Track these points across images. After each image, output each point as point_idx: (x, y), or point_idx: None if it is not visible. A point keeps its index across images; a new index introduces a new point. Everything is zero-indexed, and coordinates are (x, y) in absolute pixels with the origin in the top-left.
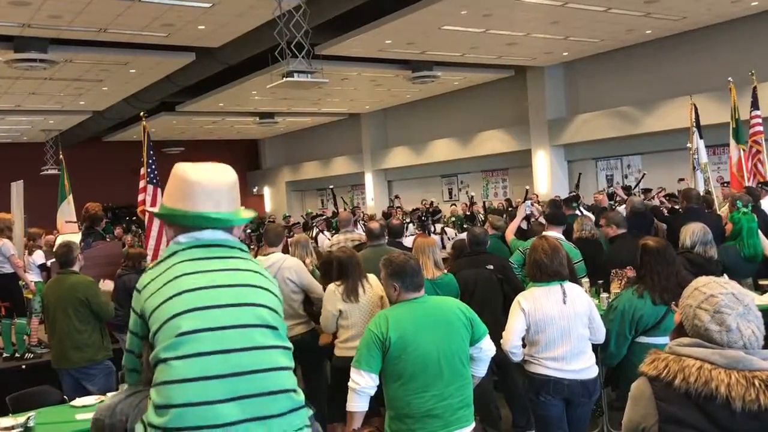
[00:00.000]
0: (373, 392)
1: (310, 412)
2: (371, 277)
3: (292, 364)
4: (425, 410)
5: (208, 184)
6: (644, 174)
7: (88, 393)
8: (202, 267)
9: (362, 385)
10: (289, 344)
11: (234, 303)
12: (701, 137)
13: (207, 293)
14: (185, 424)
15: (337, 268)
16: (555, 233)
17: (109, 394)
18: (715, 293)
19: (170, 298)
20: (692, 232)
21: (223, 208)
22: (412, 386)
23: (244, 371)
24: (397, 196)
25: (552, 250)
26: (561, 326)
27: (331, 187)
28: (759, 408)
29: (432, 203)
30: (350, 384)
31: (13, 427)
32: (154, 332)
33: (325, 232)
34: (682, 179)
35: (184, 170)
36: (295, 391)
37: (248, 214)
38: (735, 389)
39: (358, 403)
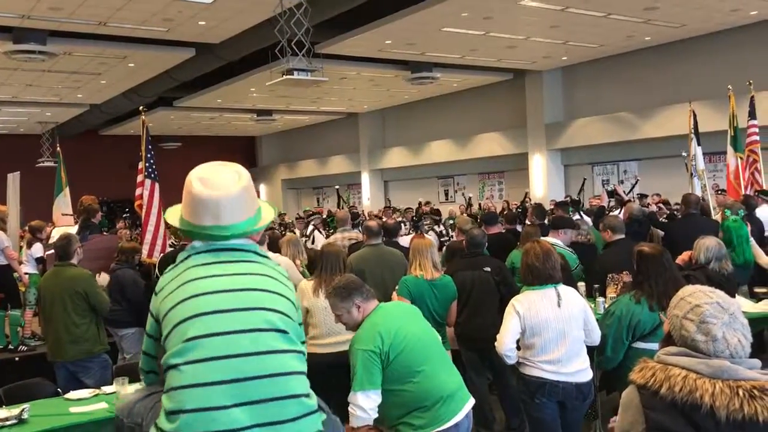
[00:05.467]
0: (376, 413)
1: (324, 416)
2: None
3: (304, 368)
4: (447, 392)
5: (208, 197)
6: (638, 180)
7: (83, 386)
8: (212, 272)
9: (368, 407)
10: (302, 348)
11: (242, 307)
12: (699, 144)
13: (214, 298)
14: (196, 429)
15: (318, 262)
16: (553, 239)
17: (104, 388)
18: (701, 303)
19: (180, 302)
20: (707, 248)
21: (223, 220)
22: (425, 372)
23: (253, 376)
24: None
25: (544, 253)
26: (556, 329)
27: (338, 187)
28: (743, 418)
29: (425, 203)
30: (356, 411)
31: (7, 419)
32: (165, 336)
33: (321, 231)
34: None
35: (190, 180)
36: (307, 395)
37: (261, 224)
38: (719, 399)
39: (363, 422)
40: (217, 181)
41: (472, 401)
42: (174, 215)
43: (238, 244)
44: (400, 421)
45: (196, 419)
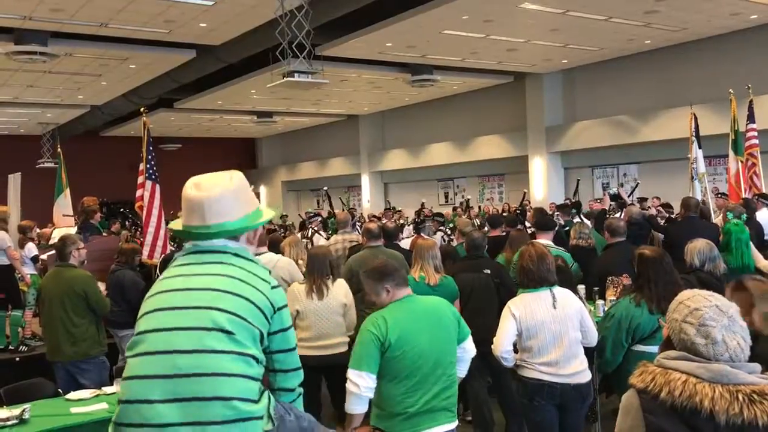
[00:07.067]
0: (372, 394)
1: (269, 425)
2: (339, 281)
3: (249, 371)
4: (416, 408)
5: (194, 198)
6: (638, 183)
7: (82, 386)
8: (180, 271)
9: (362, 386)
10: (252, 351)
11: (189, 306)
12: (700, 147)
13: (168, 296)
14: (127, 420)
15: (307, 265)
16: (545, 240)
17: (104, 388)
18: (700, 306)
19: (146, 299)
20: (699, 250)
21: (208, 220)
22: (407, 385)
23: (185, 373)
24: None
25: (538, 256)
26: (553, 331)
27: (326, 188)
28: (743, 422)
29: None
30: (349, 386)
31: (8, 419)
32: None
33: (321, 233)
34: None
35: (185, 186)
36: (245, 399)
37: (250, 225)
38: (719, 403)
39: (357, 406)
40: (206, 184)
41: (443, 428)
42: (179, 221)
43: (218, 246)
44: (375, 411)
45: (128, 410)
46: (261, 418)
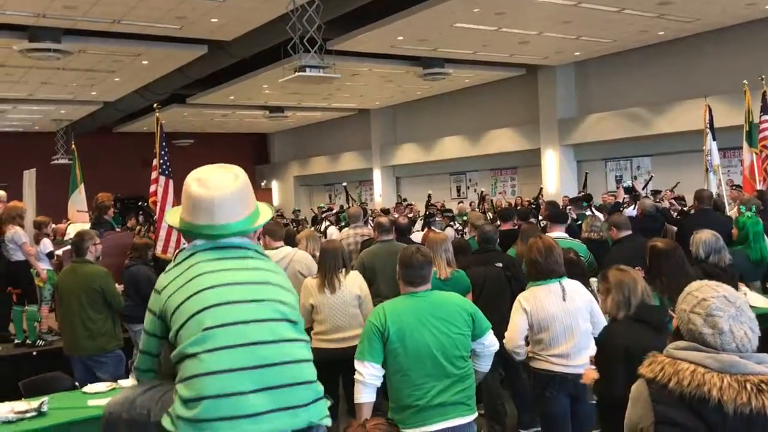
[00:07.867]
0: (379, 383)
1: (329, 403)
2: (352, 273)
3: (311, 356)
4: (425, 402)
5: (203, 197)
6: (652, 176)
7: (99, 380)
8: (219, 266)
9: (366, 374)
10: (307, 338)
11: (255, 299)
12: (714, 139)
13: (227, 290)
14: (217, 415)
15: (319, 259)
16: (557, 233)
17: (120, 381)
18: (707, 297)
19: (192, 295)
20: (704, 242)
21: (217, 219)
22: (412, 379)
23: (271, 363)
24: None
25: (546, 248)
26: (564, 323)
27: (345, 184)
28: (751, 411)
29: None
30: (355, 376)
31: (27, 411)
32: (176, 330)
33: (333, 227)
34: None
35: (189, 182)
36: (316, 382)
37: (255, 224)
38: (727, 393)
39: (364, 394)
40: (213, 182)
41: (455, 422)
42: (174, 215)
43: (240, 242)
44: (390, 403)
45: (218, 404)
46: (324, 396)
